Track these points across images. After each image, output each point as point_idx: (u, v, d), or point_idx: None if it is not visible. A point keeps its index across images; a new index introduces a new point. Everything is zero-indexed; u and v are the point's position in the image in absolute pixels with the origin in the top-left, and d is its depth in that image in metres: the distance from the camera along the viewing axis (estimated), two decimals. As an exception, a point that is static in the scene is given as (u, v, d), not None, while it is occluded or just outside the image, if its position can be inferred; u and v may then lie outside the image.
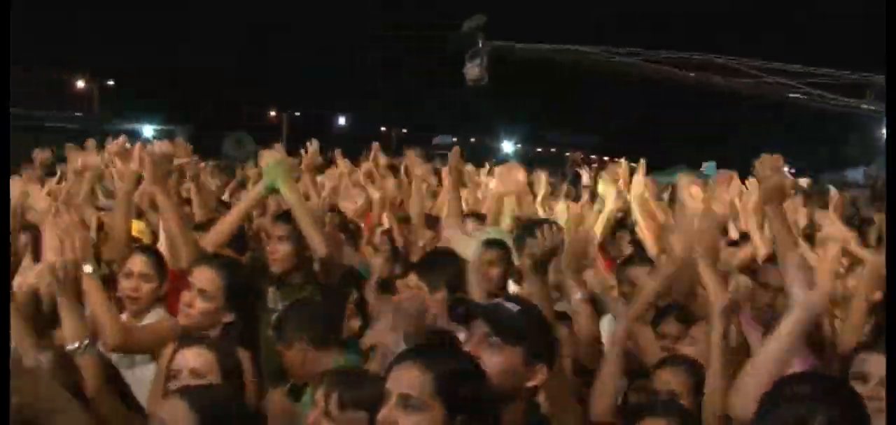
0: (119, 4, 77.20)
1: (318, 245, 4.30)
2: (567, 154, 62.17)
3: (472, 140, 66.86)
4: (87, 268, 3.48)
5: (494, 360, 2.51)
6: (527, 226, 4.58)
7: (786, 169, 4.45)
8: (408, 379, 2.24)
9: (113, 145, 4.91)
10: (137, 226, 6.32)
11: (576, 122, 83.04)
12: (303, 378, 3.53)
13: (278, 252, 4.38)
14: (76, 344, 3.13)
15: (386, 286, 5.79)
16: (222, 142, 32.48)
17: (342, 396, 2.80)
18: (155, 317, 4.24)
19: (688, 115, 75.68)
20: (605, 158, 64.55)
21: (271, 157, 4.71)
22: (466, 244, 4.13)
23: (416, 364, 2.27)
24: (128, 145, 4.84)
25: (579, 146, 66.37)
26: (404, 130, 67.75)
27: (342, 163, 8.93)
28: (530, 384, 2.58)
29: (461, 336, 3.56)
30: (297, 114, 63.42)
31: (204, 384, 2.80)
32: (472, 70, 25.38)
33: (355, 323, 4.41)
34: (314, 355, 3.53)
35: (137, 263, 4.14)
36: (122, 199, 4.67)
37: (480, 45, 25.18)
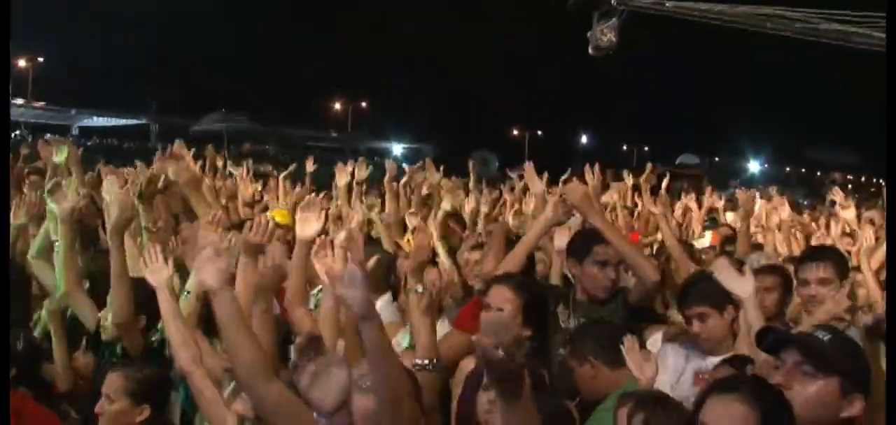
0: (372, 34, 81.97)
1: (650, 273, 4.21)
2: (818, 173, 58.17)
3: (716, 159, 64.51)
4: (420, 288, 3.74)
5: (808, 390, 2.46)
6: None
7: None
8: (729, 414, 2.26)
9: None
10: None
11: (827, 134, 77.23)
12: (593, 394, 3.57)
13: (609, 279, 4.29)
14: (426, 362, 3.35)
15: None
16: (467, 161, 33.27)
17: (648, 419, 2.82)
18: (442, 327, 4.46)
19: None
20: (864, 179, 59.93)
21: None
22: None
23: (740, 399, 2.28)
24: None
25: (836, 166, 61.56)
26: (646, 148, 66.63)
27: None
28: (846, 415, 2.51)
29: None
30: (540, 132, 64.20)
31: None
32: (603, 35, 19.69)
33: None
34: (607, 374, 3.57)
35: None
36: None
37: (614, 2, 19.74)
